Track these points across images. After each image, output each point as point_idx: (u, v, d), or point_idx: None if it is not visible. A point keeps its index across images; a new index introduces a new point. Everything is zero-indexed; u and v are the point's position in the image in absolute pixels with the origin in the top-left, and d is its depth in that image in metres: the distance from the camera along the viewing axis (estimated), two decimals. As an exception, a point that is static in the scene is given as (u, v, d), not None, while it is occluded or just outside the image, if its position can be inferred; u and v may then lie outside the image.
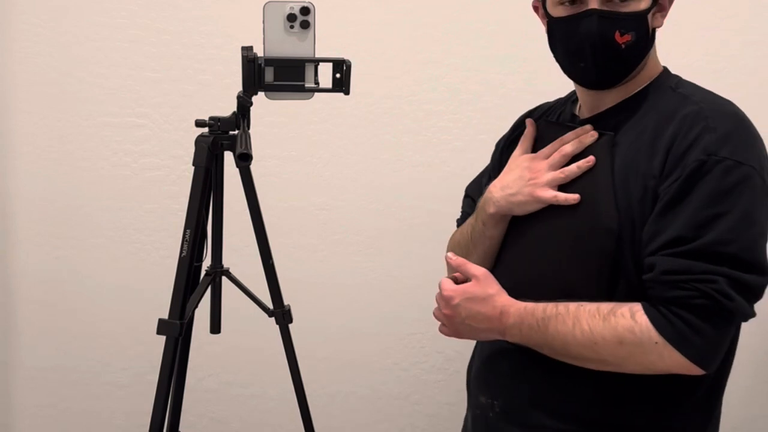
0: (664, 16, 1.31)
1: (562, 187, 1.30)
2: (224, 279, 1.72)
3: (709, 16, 2.20)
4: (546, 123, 1.42)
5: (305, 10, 1.49)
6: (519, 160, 1.38)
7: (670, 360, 1.14)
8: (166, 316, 1.61)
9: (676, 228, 1.15)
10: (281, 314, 1.70)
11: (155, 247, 2.28)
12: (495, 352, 1.39)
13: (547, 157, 1.32)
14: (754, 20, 2.22)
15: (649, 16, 1.26)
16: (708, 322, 1.13)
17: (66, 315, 2.31)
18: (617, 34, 1.24)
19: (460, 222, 1.58)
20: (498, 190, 1.37)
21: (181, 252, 1.60)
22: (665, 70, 1.34)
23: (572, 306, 1.21)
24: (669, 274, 1.14)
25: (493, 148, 2.43)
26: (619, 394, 1.25)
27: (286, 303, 1.71)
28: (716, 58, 2.22)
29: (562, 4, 1.28)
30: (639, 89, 1.30)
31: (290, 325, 1.72)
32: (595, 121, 1.32)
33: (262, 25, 1.49)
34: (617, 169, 1.24)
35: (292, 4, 1.48)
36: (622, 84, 1.30)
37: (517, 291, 1.31)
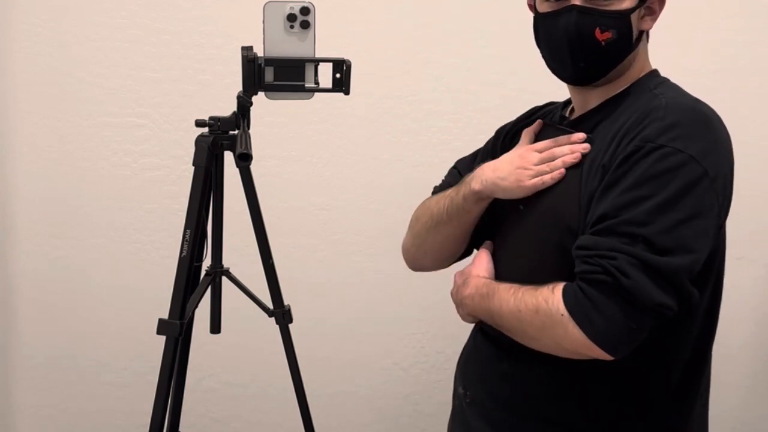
0: (653, 20, 1.30)
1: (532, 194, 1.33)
2: (224, 279, 1.72)
3: (709, 16, 2.20)
4: (553, 128, 1.43)
5: (305, 10, 1.49)
6: (516, 148, 1.39)
7: (574, 337, 1.13)
8: (166, 316, 1.61)
9: (601, 208, 1.16)
10: (281, 314, 1.70)
11: (155, 247, 2.28)
12: (473, 344, 1.45)
13: (540, 150, 1.33)
14: (754, 20, 2.22)
15: (634, 16, 1.26)
16: (611, 300, 1.10)
17: (66, 315, 2.31)
18: (597, 30, 1.24)
19: (438, 189, 1.59)
20: (489, 170, 1.38)
21: (181, 252, 1.60)
22: (653, 71, 1.34)
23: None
24: (580, 249, 1.16)
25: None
26: (576, 391, 1.26)
27: (286, 303, 1.71)
28: (716, 58, 2.22)
29: (547, 0, 1.29)
30: (621, 90, 1.31)
31: (290, 325, 1.72)
32: (579, 121, 1.33)
33: (262, 25, 1.49)
34: (585, 168, 1.25)
35: (292, 4, 1.48)
36: (606, 84, 1.30)
37: None
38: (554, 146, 1.31)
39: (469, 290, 1.32)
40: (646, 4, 1.28)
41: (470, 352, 1.45)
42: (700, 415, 1.32)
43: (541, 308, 1.16)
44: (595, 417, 1.26)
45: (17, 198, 2.25)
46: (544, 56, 1.35)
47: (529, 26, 1.38)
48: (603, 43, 1.24)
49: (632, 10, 1.25)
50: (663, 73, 1.35)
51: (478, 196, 1.38)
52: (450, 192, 1.47)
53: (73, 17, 2.18)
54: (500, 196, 1.35)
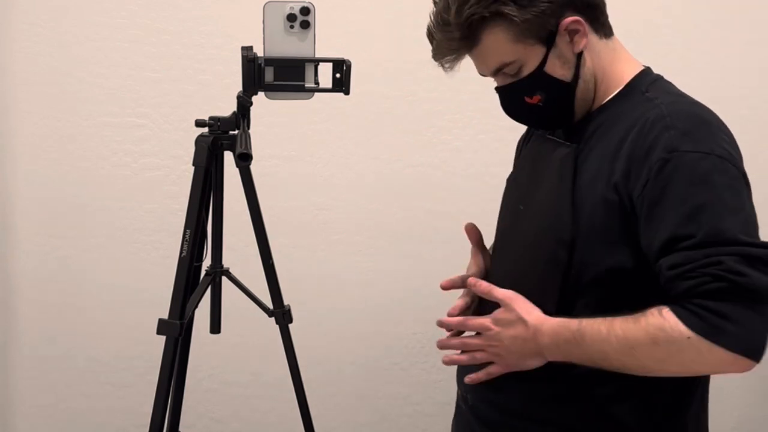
0: (584, 35, 1.25)
1: (528, 196, 1.33)
2: (224, 279, 1.72)
3: (710, 16, 2.20)
4: (542, 138, 1.42)
5: (305, 10, 1.49)
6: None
7: (710, 355, 1.07)
8: (166, 316, 1.61)
9: (665, 230, 1.12)
10: (281, 314, 1.70)
11: (155, 247, 2.28)
12: None
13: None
14: (754, 20, 2.22)
15: (550, 63, 1.23)
16: (734, 305, 1.06)
17: (66, 315, 2.31)
18: (526, 98, 1.27)
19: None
20: None
21: (181, 252, 1.60)
22: (643, 71, 1.31)
23: (607, 317, 1.17)
24: (673, 268, 1.11)
25: (492, 148, 2.43)
26: (574, 395, 1.25)
27: (286, 303, 1.71)
28: (716, 58, 2.22)
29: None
30: (612, 95, 1.29)
31: (290, 325, 1.72)
32: (577, 128, 1.31)
33: (262, 25, 1.49)
34: (585, 181, 1.23)
35: (292, 4, 1.48)
36: (587, 106, 1.29)
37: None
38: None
39: (547, 339, 1.21)
40: (561, 33, 1.23)
41: None
42: (696, 416, 1.31)
43: (660, 339, 1.10)
44: (592, 418, 1.25)
45: (17, 198, 2.25)
46: None
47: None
48: (540, 103, 1.26)
49: (543, 63, 1.24)
50: (663, 74, 1.34)
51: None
52: None
53: (73, 17, 2.18)
54: None
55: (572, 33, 1.25)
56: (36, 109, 2.22)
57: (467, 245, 1.56)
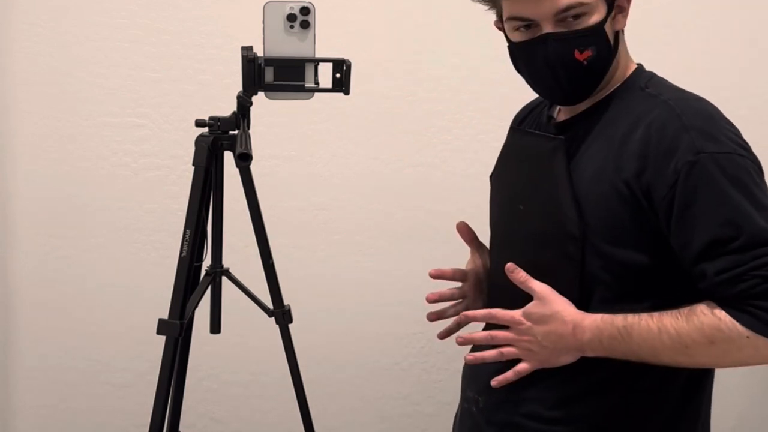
0: (625, 16, 1.29)
1: (525, 194, 1.32)
2: (224, 279, 1.72)
3: (709, 16, 2.20)
4: (522, 132, 1.43)
5: (305, 10, 1.49)
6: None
7: (765, 350, 1.12)
8: (166, 316, 1.61)
9: (704, 234, 1.14)
10: (281, 314, 1.70)
11: (155, 247, 2.28)
12: (485, 348, 1.40)
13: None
14: (753, 20, 2.22)
15: (607, 25, 1.24)
16: None
17: (66, 315, 2.30)
18: (576, 52, 1.24)
19: None
20: None
21: (181, 252, 1.60)
22: (638, 68, 1.33)
23: (652, 313, 1.19)
24: (722, 272, 1.13)
25: (492, 148, 2.43)
26: (593, 396, 1.26)
27: (286, 303, 1.71)
28: (716, 58, 2.22)
29: (518, 30, 1.28)
30: (611, 91, 1.30)
31: (290, 325, 1.72)
32: (568, 125, 1.32)
33: (262, 25, 1.49)
34: (587, 176, 1.24)
35: (292, 4, 1.48)
36: (604, 82, 1.30)
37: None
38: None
39: (589, 335, 1.21)
40: (616, 4, 1.26)
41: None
42: (706, 413, 1.32)
43: (717, 338, 1.13)
44: (607, 416, 1.26)
45: (17, 198, 2.25)
46: (527, 82, 1.35)
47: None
48: (585, 62, 1.24)
49: (604, 20, 1.24)
50: (663, 74, 1.35)
51: None
52: None
53: (73, 17, 2.18)
54: None
55: (620, 9, 1.27)
56: (36, 109, 2.22)
57: (467, 245, 1.56)
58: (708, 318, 1.14)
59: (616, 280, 1.22)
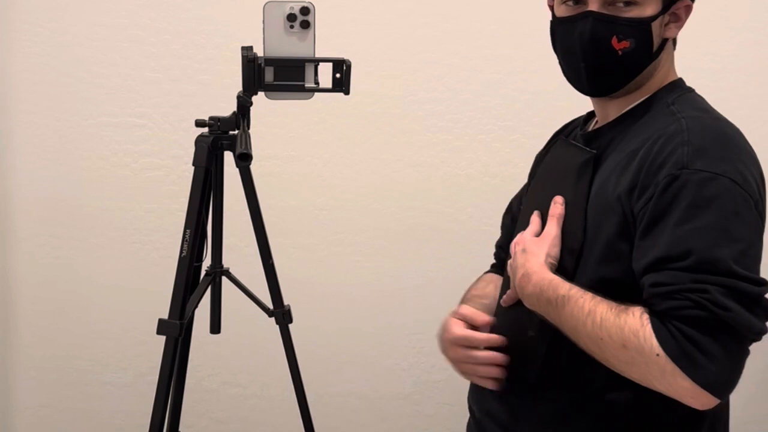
0: (679, 27, 1.24)
1: (547, 204, 1.28)
2: (224, 279, 1.72)
3: (709, 15, 2.20)
4: (565, 143, 1.38)
5: (305, 10, 1.49)
6: (526, 240, 1.29)
7: (673, 379, 1.04)
8: (166, 316, 1.61)
9: (659, 248, 1.08)
10: (281, 314, 1.70)
11: (155, 247, 2.28)
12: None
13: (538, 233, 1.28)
14: (753, 20, 2.22)
15: (656, 24, 1.19)
16: (710, 338, 1.03)
17: (66, 315, 2.31)
18: (614, 39, 1.18)
19: (498, 247, 1.53)
20: (441, 328, 1.35)
21: (181, 252, 1.60)
22: (674, 82, 1.28)
23: (597, 296, 1.14)
24: (657, 286, 1.07)
25: (492, 148, 2.44)
26: (576, 417, 1.22)
27: (286, 303, 1.71)
28: (716, 58, 2.22)
29: (565, 2, 1.24)
30: (640, 101, 1.25)
31: (290, 325, 1.72)
32: (595, 135, 1.29)
33: (262, 25, 1.49)
34: (595, 190, 1.20)
35: (292, 4, 1.48)
36: (626, 94, 1.25)
37: (502, 318, 1.31)
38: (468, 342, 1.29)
39: (531, 289, 1.19)
40: (671, 11, 1.21)
41: None
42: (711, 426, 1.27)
43: (630, 344, 1.07)
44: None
45: (17, 198, 2.25)
46: (560, 64, 1.29)
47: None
48: (620, 52, 1.19)
49: (654, 17, 1.19)
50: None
51: None
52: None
53: (73, 17, 2.18)
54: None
55: (675, 18, 1.23)
56: (36, 109, 2.22)
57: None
58: (633, 320, 1.07)
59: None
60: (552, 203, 1.25)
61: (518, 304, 1.26)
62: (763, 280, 1.07)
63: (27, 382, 2.34)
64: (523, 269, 1.21)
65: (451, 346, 1.31)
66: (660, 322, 1.06)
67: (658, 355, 1.04)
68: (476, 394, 1.38)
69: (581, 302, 1.13)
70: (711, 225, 1.06)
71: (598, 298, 1.13)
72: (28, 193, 2.25)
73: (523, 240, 1.26)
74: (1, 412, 2.34)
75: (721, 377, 1.05)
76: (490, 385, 1.28)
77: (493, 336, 1.28)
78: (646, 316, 1.07)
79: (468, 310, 1.32)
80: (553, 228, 1.23)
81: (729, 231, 1.07)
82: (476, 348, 1.29)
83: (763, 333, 1.06)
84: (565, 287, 1.16)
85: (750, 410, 2.35)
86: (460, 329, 1.30)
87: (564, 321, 1.15)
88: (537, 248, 1.22)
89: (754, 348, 1.09)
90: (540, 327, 1.22)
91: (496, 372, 1.26)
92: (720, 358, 1.03)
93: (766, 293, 1.07)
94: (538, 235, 1.26)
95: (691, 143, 1.11)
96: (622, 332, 1.08)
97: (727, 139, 1.14)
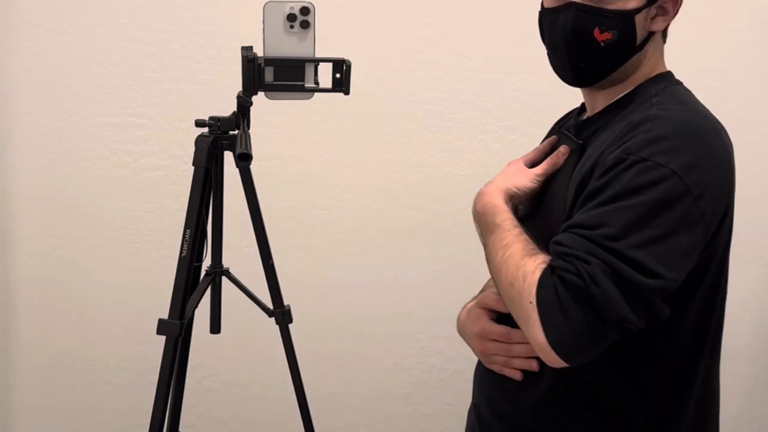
0: (666, 20, 1.25)
1: (543, 197, 1.30)
2: (224, 279, 1.72)
3: (709, 16, 2.20)
4: (559, 134, 1.41)
5: (305, 10, 1.49)
6: (513, 163, 1.36)
7: (533, 330, 1.07)
8: (166, 316, 1.61)
9: (579, 217, 1.11)
10: (281, 314, 1.70)
11: (155, 247, 2.28)
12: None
13: (530, 164, 1.32)
14: (753, 20, 2.22)
15: (640, 17, 1.20)
16: (577, 304, 1.05)
17: (66, 315, 2.31)
18: (596, 30, 1.20)
19: None
20: (462, 315, 1.38)
21: (181, 252, 1.60)
22: (662, 74, 1.29)
23: (525, 232, 1.19)
24: (557, 244, 1.10)
25: (492, 148, 2.44)
26: (561, 405, 1.24)
27: (286, 303, 1.71)
28: (716, 58, 2.22)
29: None
30: (626, 93, 1.26)
31: (290, 325, 1.72)
32: (583, 126, 1.30)
33: (262, 25, 1.49)
34: (573, 177, 1.22)
35: (292, 4, 1.48)
36: (611, 86, 1.26)
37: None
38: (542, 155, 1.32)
39: (478, 207, 1.26)
40: (658, 4, 1.22)
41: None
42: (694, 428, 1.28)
43: (517, 284, 1.11)
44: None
45: (17, 197, 2.26)
46: (547, 54, 1.31)
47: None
48: (602, 44, 1.20)
49: (638, 10, 1.20)
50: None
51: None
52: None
53: (73, 17, 2.18)
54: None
55: (662, 11, 1.24)
56: (36, 109, 2.22)
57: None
58: (530, 264, 1.11)
59: None
60: (556, 152, 1.29)
61: None
62: (660, 274, 1.06)
63: (27, 382, 2.34)
64: (483, 187, 1.28)
65: (480, 339, 1.32)
66: (549, 274, 1.09)
67: (531, 302, 1.08)
68: (477, 379, 1.40)
69: (505, 234, 1.18)
70: (632, 207, 1.07)
71: (523, 237, 1.17)
72: (28, 193, 2.25)
73: (510, 165, 1.31)
74: (1, 412, 2.34)
75: (571, 341, 1.06)
76: (518, 376, 1.28)
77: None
78: (542, 266, 1.10)
79: (491, 299, 1.33)
80: (540, 167, 1.28)
81: (648, 217, 1.07)
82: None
83: (632, 324, 1.06)
84: (501, 216, 1.21)
85: (748, 411, 2.35)
86: (492, 324, 1.31)
87: (487, 247, 1.21)
88: (507, 176, 1.29)
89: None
90: None
91: (535, 365, 1.25)
92: (577, 325, 1.05)
93: (657, 286, 1.06)
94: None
95: (649, 132, 1.12)
96: (517, 272, 1.12)
97: (692, 134, 1.13)
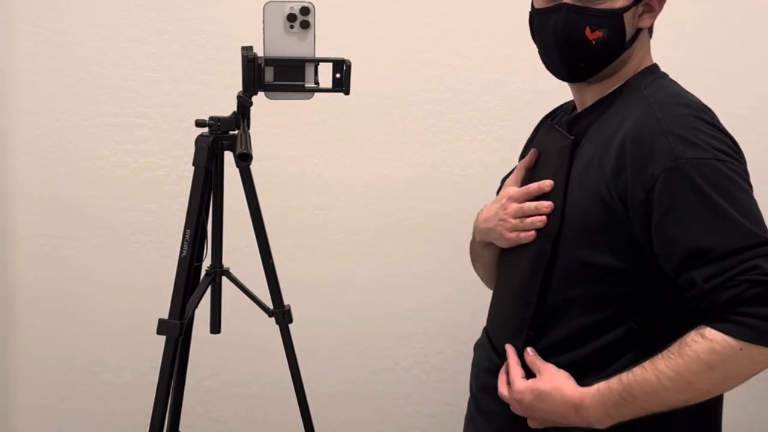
0: (653, 17, 1.29)
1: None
2: (224, 279, 1.72)
3: (708, 15, 2.20)
4: (549, 127, 1.43)
5: (305, 10, 1.49)
6: (503, 193, 1.39)
7: (762, 357, 1.09)
8: (166, 316, 1.61)
9: (689, 240, 1.11)
10: (281, 314, 1.71)
11: (155, 247, 2.28)
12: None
13: (519, 200, 1.33)
14: (753, 20, 2.22)
15: (628, 15, 1.24)
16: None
17: (66, 315, 2.31)
18: (588, 29, 1.23)
19: None
20: (482, 220, 1.42)
21: (181, 252, 1.60)
22: (648, 67, 1.32)
23: (644, 363, 1.16)
24: (711, 279, 1.10)
25: (492, 148, 2.44)
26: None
27: (286, 303, 1.71)
28: (716, 58, 2.22)
29: None
30: (616, 87, 1.29)
31: (290, 325, 1.72)
32: (574, 121, 1.33)
33: (262, 25, 1.49)
34: (576, 174, 1.24)
35: (292, 4, 1.48)
36: (601, 81, 1.30)
37: (495, 302, 1.38)
38: (526, 196, 1.31)
39: (593, 412, 1.18)
40: (644, 2, 1.26)
41: (479, 343, 1.48)
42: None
43: (715, 362, 1.09)
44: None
45: (17, 197, 2.25)
46: (539, 52, 1.35)
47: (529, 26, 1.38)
48: (593, 42, 1.24)
49: (626, 9, 1.24)
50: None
51: (482, 243, 1.43)
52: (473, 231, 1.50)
53: (73, 17, 2.18)
54: (498, 244, 1.38)
55: (649, 8, 1.27)
56: (36, 109, 2.22)
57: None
58: (700, 344, 1.10)
59: (582, 282, 1.22)
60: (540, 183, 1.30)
61: (517, 277, 1.30)
62: None
63: (27, 382, 2.34)
64: (566, 405, 1.21)
65: (506, 203, 1.34)
66: (722, 320, 1.09)
67: (741, 349, 1.08)
68: (474, 369, 1.43)
69: (642, 378, 1.14)
70: (728, 205, 1.11)
71: (647, 364, 1.15)
72: (28, 193, 2.25)
73: (523, 391, 1.25)
74: (1, 412, 2.34)
75: None
76: (530, 238, 1.29)
77: (546, 182, 1.29)
78: (706, 330, 1.10)
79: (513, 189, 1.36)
80: (541, 363, 1.26)
81: (744, 205, 1.12)
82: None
83: None
84: (614, 383, 1.17)
85: (749, 412, 2.35)
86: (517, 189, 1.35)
87: (645, 404, 1.15)
88: (551, 381, 1.23)
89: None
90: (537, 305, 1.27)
91: (542, 221, 1.27)
92: None
93: None
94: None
95: (672, 133, 1.15)
96: (701, 361, 1.10)
97: (699, 120, 1.18)
